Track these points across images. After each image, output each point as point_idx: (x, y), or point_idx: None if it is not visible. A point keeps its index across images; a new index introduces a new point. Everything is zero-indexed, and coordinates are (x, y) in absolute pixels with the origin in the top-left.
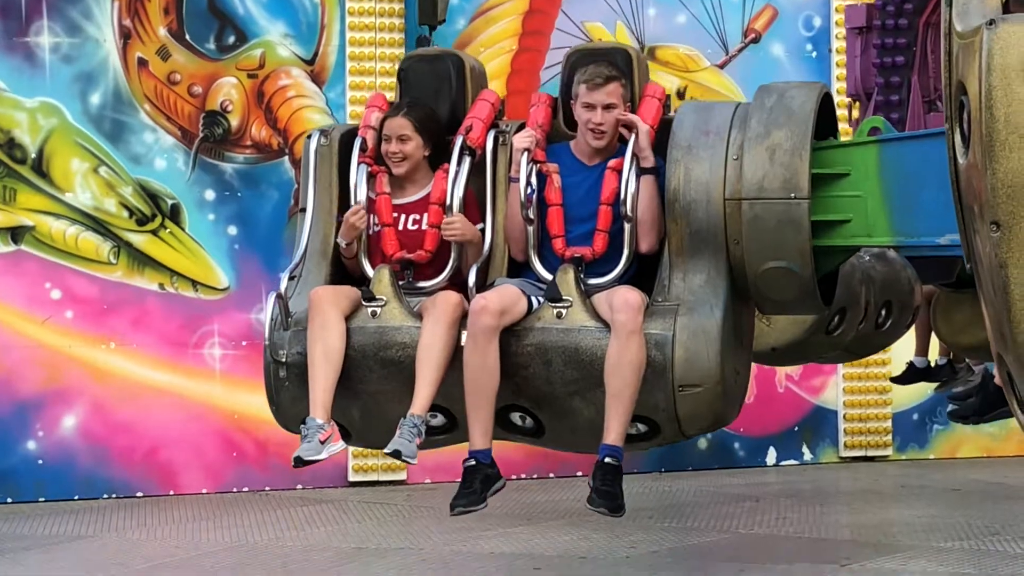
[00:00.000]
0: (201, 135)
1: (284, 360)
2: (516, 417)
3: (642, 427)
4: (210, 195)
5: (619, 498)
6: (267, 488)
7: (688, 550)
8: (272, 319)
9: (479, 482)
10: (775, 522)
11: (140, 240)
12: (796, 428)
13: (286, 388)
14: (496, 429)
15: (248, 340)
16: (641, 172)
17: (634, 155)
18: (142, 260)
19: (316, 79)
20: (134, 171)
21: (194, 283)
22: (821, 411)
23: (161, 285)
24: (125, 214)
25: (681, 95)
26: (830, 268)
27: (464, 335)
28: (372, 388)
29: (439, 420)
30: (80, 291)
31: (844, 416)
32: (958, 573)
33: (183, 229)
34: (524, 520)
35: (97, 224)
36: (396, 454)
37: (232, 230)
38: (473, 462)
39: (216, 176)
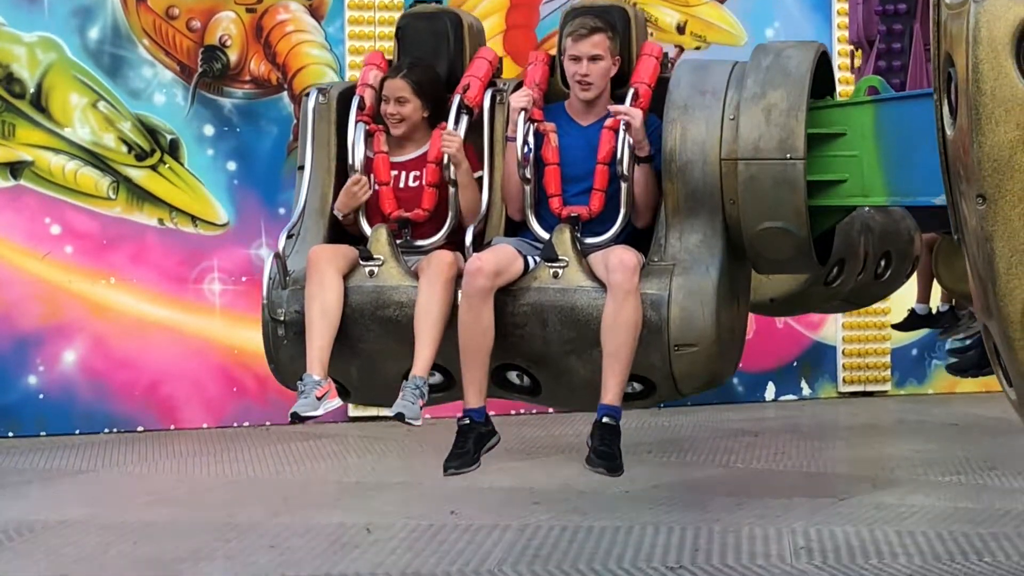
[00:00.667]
0: (200, 70)
1: (282, 319)
2: (513, 376)
3: (638, 386)
4: (209, 130)
5: (617, 458)
6: (267, 423)
7: (687, 485)
8: (270, 278)
9: (472, 442)
10: (773, 457)
11: (139, 175)
12: (795, 364)
13: (284, 346)
14: (493, 387)
15: (248, 276)
16: (637, 160)
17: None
18: (141, 195)
19: (315, 14)
20: (133, 106)
21: (193, 218)
22: (820, 347)
23: (160, 220)
24: (124, 149)
25: (681, 30)
26: (826, 227)
27: (460, 294)
28: (370, 347)
29: (437, 378)
30: (80, 226)
31: (843, 352)
32: (956, 507)
33: (182, 164)
34: (523, 455)
35: (96, 159)
36: (400, 417)
37: (231, 165)
38: (467, 421)
39: (215, 111)
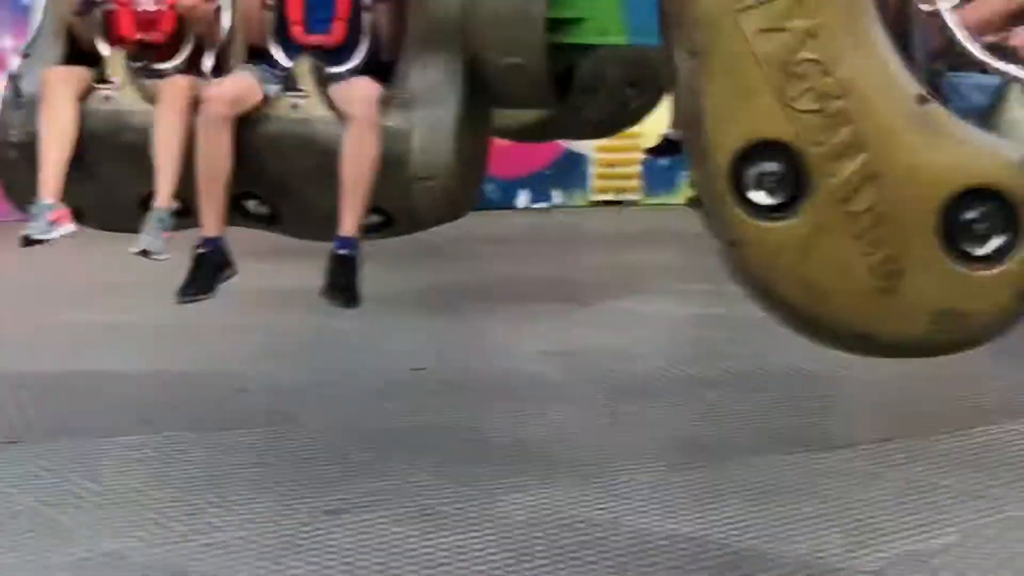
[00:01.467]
0: None
1: (15, 141)
2: (252, 204)
3: (378, 218)
4: None
5: (353, 290)
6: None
7: (435, 288)
8: (2, 99)
9: (210, 269)
10: (522, 263)
11: None
12: (547, 172)
13: (18, 169)
14: (232, 215)
15: None
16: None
17: None
18: None
19: None
20: None
21: None
22: (572, 155)
23: None
24: None
25: None
26: (566, 65)
27: (198, 122)
28: (106, 172)
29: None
30: None
31: (595, 161)
32: (699, 314)
33: None
34: (272, 256)
35: None
36: (145, 253)
37: None
38: (204, 250)
39: None
